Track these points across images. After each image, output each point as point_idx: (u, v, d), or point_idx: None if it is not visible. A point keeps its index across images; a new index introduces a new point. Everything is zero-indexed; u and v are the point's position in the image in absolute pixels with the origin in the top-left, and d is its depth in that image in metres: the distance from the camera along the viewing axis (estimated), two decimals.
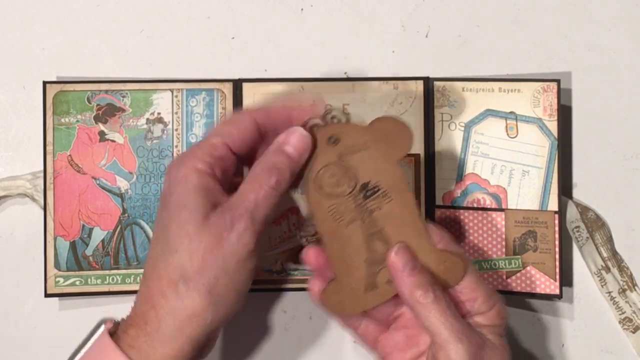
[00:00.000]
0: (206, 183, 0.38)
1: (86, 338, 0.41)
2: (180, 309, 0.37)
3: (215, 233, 0.37)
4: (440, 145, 0.49)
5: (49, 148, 0.48)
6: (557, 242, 0.48)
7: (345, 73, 0.52)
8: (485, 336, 0.39)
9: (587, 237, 0.50)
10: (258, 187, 0.38)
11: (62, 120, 0.48)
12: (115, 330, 0.39)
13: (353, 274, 0.40)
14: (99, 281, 0.48)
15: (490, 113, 0.49)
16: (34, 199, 0.49)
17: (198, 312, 0.37)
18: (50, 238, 0.48)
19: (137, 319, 0.38)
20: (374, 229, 0.40)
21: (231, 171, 0.40)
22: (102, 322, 0.40)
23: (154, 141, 0.49)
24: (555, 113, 0.48)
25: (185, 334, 0.37)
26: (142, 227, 0.48)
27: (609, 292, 0.50)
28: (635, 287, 0.50)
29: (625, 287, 0.50)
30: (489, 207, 0.48)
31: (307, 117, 0.41)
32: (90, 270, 0.48)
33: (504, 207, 0.48)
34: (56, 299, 0.49)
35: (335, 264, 0.40)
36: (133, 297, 0.39)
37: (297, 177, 0.40)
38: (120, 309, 0.50)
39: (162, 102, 0.49)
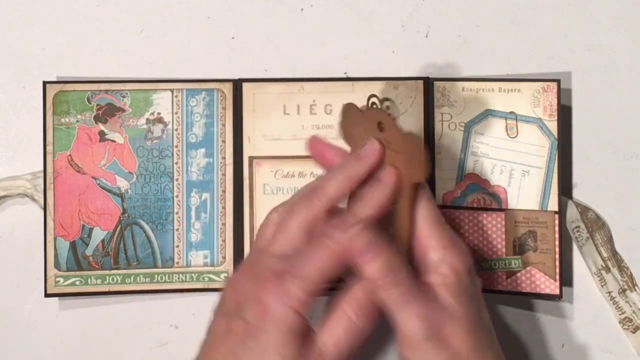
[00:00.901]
0: (301, 327, 0.36)
1: None
2: None
3: None
4: (440, 145, 0.49)
5: (49, 148, 0.48)
6: (557, 242, 0.48)
7: (345, 73, 0.52)
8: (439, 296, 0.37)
9: (587, 237, 0.50)
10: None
11: (62, 120, 0.48)
12: None
13: None
14: (99, 281, 0.48)
15: (490, 113, 0.49)
16: (34, 199, 0.49)
17: None
18: (50, 238, 0.48)
19: None
20: None
21: None
22: None
23: (154, 141, 0.49)
24: (555, 113, 0.48)
25: None
26: (142, 227, 0.48)
27: (609, 292, 0.50)
28: (635, 287, 0.50)
29: (625, 287, 0.50)
30: (489, 207, 0.48)
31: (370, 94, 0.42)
32: (90, 270, 0.48)
33: (504, 207, 0.48)
34: (56, 299, 0.49)
35: None
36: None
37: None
38: (120, 309, 0.50)
39: (162, 102, 0.49)
